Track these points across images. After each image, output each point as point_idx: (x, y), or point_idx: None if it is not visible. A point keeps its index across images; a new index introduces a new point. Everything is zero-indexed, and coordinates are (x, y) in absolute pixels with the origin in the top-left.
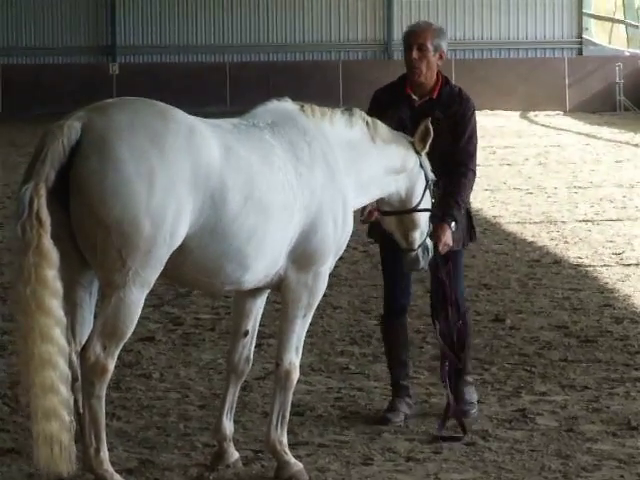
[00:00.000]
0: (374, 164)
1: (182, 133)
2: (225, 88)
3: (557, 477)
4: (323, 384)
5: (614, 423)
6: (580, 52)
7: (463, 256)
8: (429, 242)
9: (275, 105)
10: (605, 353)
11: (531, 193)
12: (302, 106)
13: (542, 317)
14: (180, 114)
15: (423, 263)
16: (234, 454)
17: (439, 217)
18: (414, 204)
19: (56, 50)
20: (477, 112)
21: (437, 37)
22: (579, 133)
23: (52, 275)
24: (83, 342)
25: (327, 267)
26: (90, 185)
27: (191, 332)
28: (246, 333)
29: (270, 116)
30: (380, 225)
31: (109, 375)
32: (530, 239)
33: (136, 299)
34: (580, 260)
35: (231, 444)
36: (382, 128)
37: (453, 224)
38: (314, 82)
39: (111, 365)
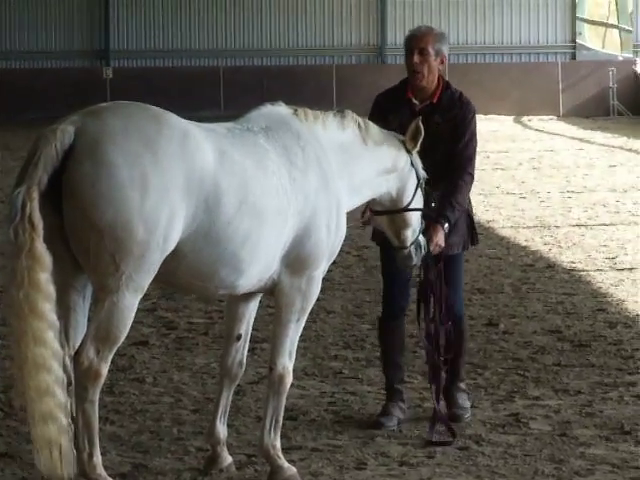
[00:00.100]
0: (366, 166)
1: (176, 138)
2: (219, 92)
3: None
4: (316, 388)
5: (607, 427)
6: (573, 57)
7: (463, 260)
8: (422, 239)
9: (269, 109)
10: (598, 357)
11: (524, 197)
12: (295, 110)
13: (535, 321)
14: (174, 118)
15: (416, 260)
16: (227, 458)
17: (433, 218)
18: (405, 203)
19: (50, 54)
20: None
21: (438, 41)
22: (572, 138)
23: (45, 278)
24: (77, 346)
25: (320, 271)
26: (83, 189)
27: (184, 336)
28: (239, 337)
29: (264, 120)
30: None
31: (102, 380)
32: (523, 243)
33: (129, 304)
34: (573, 265)
35: (224, 448)
36: (373, 129)
37: (446, 225)
38: (308, 86)
39: (104, 370)
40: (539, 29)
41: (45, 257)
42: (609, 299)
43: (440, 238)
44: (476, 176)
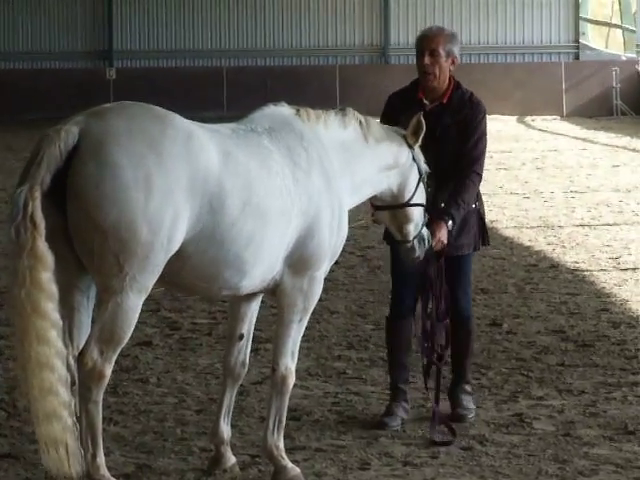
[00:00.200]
0: (367, 165)
1: (180, 138)
2: (222, 93)
3: None
4: (320, 389)
5: (611, 428)
6: (577, 57)
7: (472, 260)
8: (426, 233)
9: (272, 110)
10: (602, 358)
11: (528, 198)
12: (298, 110)
13: (539, 321)
14: (178, 119)
15: (419, 253)
16: (231, 458)
17: (437, 214)
18: (406, 198)
19: (53, 55)
20: None
21: (449, 42)
22: (576, 138)
23: (47, 278)
24: (81, 346)
25: (322, 271)
26: (87, 190)
27: (188, 337)
28: (241, 337)
29: (267, 121)
30: None
31: (106, 380)
32: (527, 244)
33: (133, 304)
34: (577, 265)
35: (228, 448)
36: (375, 126)
37: (450, 223)
38: (311, 87)
39: (108, 370)
40: (542, 29)
41: (47, 256)
42: (613, 299)
43: (443, 234)
44: None
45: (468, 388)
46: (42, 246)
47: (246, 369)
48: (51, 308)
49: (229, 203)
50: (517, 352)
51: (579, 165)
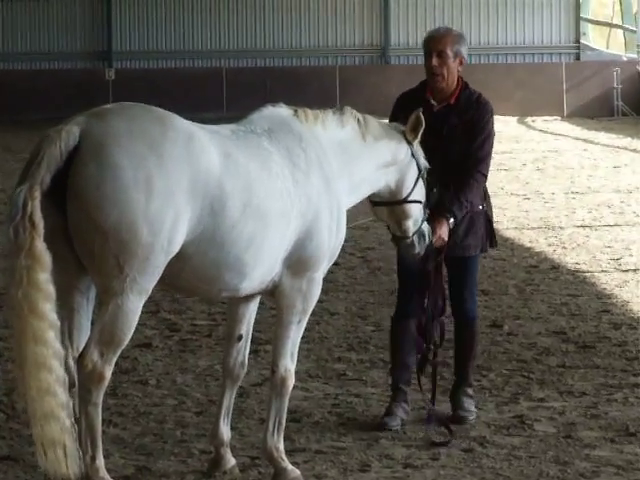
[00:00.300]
0: (365, 164)
1: (181, 140)
2: (222, 93)
3: None
4: (320, 390)
5: (612, 429)
6: (578, 57)
7: (479, 262)
8: (426, 229)
9: (270, 111)
10: (603, 359)
11: (529, 198)
12: (295, 111)
13: (540, 323)
14: (178, 120)
15: (419, 249)
16: (231, 460)
17: (439, 211)
18: (405, 194)
19: (52, 55)
20: None
21: (457, 43)
22: (577, 138)
23: (44, 278)
24: (80, 348)
25: (321, 273)
26: (88, 191)
27: (188, 338)
28: (240, 338)
29: (266, 122)
30: None
31: (106, 382)
32: (528, 245)
33: (134, 306)
34: (578, 266)
35: (228, 450)
36: (373, 124)
37: (452, 220)
38: (311, 87)
39: (108, 372)
40: (543, 30)
41: (45, 257)
42: (614, 300)
43: (444, 231)
44: None
45: (470, 391)
46: (40, 246)
47: (245, 370)
48: (48, 309)
49: (230, 205)
50: (518, 353)
51: (580, 166)
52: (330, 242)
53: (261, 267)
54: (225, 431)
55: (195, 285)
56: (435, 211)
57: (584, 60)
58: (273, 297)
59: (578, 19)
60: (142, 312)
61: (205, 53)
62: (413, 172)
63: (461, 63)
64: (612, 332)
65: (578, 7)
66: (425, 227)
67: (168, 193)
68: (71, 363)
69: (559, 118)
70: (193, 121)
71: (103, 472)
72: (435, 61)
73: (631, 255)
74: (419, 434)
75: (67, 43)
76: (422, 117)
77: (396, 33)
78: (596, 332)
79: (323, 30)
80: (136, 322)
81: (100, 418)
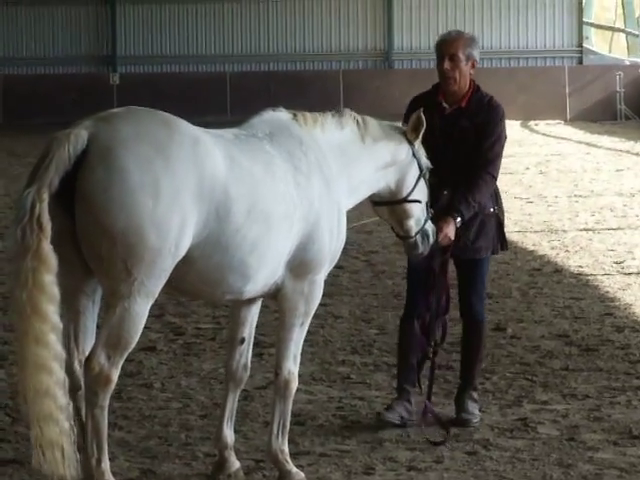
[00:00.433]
0: (365, 166)
1: (187, 143)
2: (226, 98)
3: None
4: (324, 393)
5: (615, 432)
6: (580, 61)
7: (488, 264)
8: (430, 228)
9: (270, 115)
10: (606, 362)
11: (532, 202)
12: (295, 115)
13: (543, 326)
14: (184, 124)
15: (422, 249)
16: (235, 463)
17: (447, 210)
18: (405, 194)
19: (56, 60)
20: None
21: (469, 46)
22: (580, 142)
23: (49, 280)
24: (86, 351)
25: (323, 275)
26: (96, 195)
27: (192, 342)
28: (242, 340)
29: (267, 126)
30: None
31: (113, 385)
32: (531, 248)
33: (141, 310)
34: (581, 269)
35: (232, 453)
36: (372, 125)
37: (459, 219)
38: (315, 91)
39: (115, 375)
40: (546, 33)
41: (51, 259)
42: (617, 303)
43: (450, 230)
44: None
45: (475, 395)
46: (47, 248)
47: (248, 373)
48: (52, 311)
49: (235, 209)
50: (521, 356)
51: (583, 169)
52: (331, 245)
53: (265, 270)
54: (229, 434)
55: (199, 288)
56: (443, 211)
57: (587, 64)
58: (275, 300)
59: (581, 23)
60: (147, 315)
61: (209, 58)
62: (414, 172)
63: (473, 66)
64: (615, 335)
65: (581, 11)
66: (429, 227)
67: (175, 197)
68: (77, 366)
69: (562, 122)
70: (197, 125)
71: (109, 475)
72: (447, 64)
73: (634, 258)
74: (423, 437)
75: (71, 48)
76: (423, 117)
77: (399, 37)
78: (599, 335)
79: (327, 34)
80: (143, 325)
81: (106, 421)
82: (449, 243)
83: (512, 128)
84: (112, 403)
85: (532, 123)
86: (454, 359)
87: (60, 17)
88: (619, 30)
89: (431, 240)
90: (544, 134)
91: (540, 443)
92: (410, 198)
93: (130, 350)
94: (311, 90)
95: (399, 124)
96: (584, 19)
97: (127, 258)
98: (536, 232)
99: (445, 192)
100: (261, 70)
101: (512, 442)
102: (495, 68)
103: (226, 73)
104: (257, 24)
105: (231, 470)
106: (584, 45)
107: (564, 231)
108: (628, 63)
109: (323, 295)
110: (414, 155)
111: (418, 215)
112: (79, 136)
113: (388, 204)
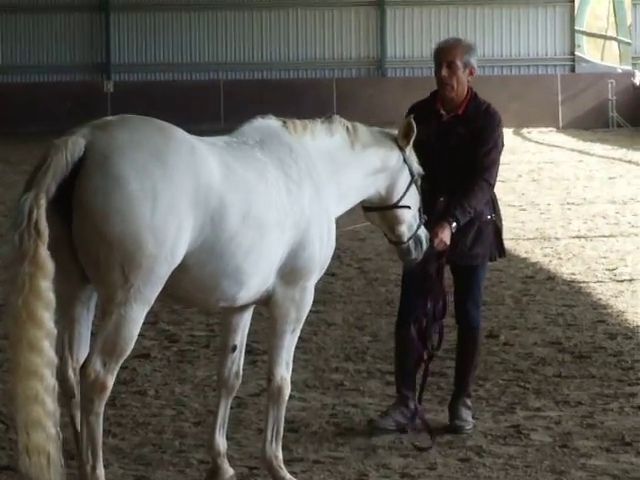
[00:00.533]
0: (354, 173)
1: (183, 151)
2: (219, 106)
3: None
4: (318, 400)
5: (608, 439)
6: (573, 69)
7: (485, 272)
8: (423, 234)
9: (260, 122)
10: (599, 369)
11: (524, 209)
12: (284, 122)
13: (536, 333)
14: (180, 132)
15: (416, 254)
16: (229, 471)
17: (442, 215)
18: (395, 200)
19: (50, 68)
20: None
21: (466, 54)
22: (572, 149)
23: (46, 286)
24: (80, 359)
25: (313, 281)
26: (94, 202)
27: (186, 349)
28: (234, 348)
29: (257, 134)
30: None
31: (108, 392)
32: (524, 255)
33: (137, 316)
34: (574, 276)
35: (225, 460)
36: (362, 131)
37: (454, 225)
38: (308, 99)
39: (110, 382)
40: (538, 42)
41: (48, 265)
42: (609, 310)
43: (446, 235)
44: None
45: (468, 402)
46: (44, 254)
47: (240, 381)
48: (47, 317)
49: (230, 215)
50: (514, 363)
51: (575, 177)
52: (322, 252)
53: (257, 277)
54: (221, 442)
55: (194, 295)
56: (439, 217)
57: (579, 72)
58: (267, 307)
59: (573, 31)
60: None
61: (203, 66)
62: (405, 178)
63: (471, 73)
64: (608, 342)
65: (573, 19)
66: (422, 232)
67: (172, 203)
68: (71, 374)
69: (554, 130)
70: (191, 133)
71: None
72: (445, 71)
73: (626, 266)
74: (416, 443)
75: (66, 56)
76: (414, 123)
77: (392, 45)
78: (592, 342)
79: (320, 43)
80: (138, 332)
81: (101, 428)
82: (444, 248)
83: (505, 136)
84: (106, 410)
85: (525, 131)
86: (447, 366)
87: (54, 25)
88: (611, 38)
89: (424, 246)
90: (537, 142)
91: (533, 450)
92: (401, 204)
93: (125, 357)
94: (304, 98)
95: (390, 130)
96: (576, 27)
97: (125, 265)
98: (529, 239)
99: (441, 199)
100: (255, 78)
101: (505, 449)
102: (488, 76)
103: (220, 81)
104: (251, 32)
105: (225, 477)
106: (576, 53)
107: (557, 238)
108: (620, 71)
109: (316, 302)
110: (405, 161)
111: (410, 221)
112: (76, 144)
113: (379, 210)
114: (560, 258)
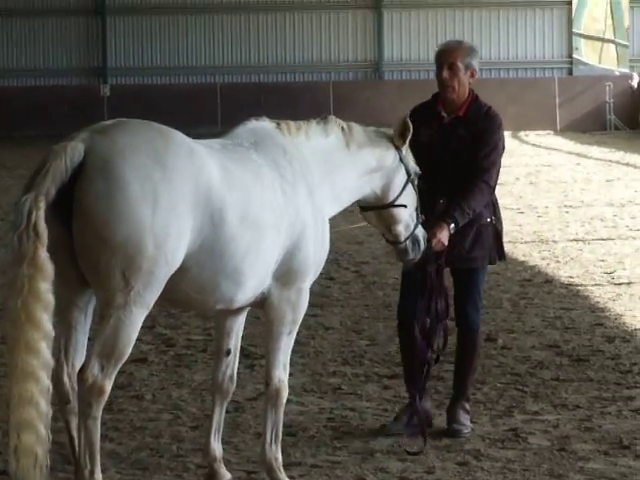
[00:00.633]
0: (348, 173)
1: (183, 153)
2: (216, 109)
3: None
4: (315, 404)
5: (606, 442)
6: (570, 72)
7: (485, 275)
8: (421, 234)
9: (254, 124)
10: (597, 372)
11: (522, 212)
12: (278, 124)
13: (534, 336)
14: (179, 135)
15: (413, 254)
16: (226, 475)
17: (440, 216)
18: (391, 199)
19: (47, 72)
20: None
21: (468, 56)
22: (570, 152)
23: (45, 288)
24: (76, 364)
25: (308, 283)
26: (95, 206)
27: (183, 353)
28: (228, 352)
29: (252, 135)
30: None
31: (106, 396)
32: (521, 258)
33: (135, 320)
34: (571, 279)
35: (222, 465)
36: (357, 131)
37: (452, 225)
38: (305, 102)
39: (108, 386)
40: (536, 44)
41: (47, 266)
42: (607, 314)
43: (444, 235)
44: None
45: (467, 405)
46: (43, 256)
47: (234, 385)
48: (45, 319)
49: (229, 217)
50: (512, 367)
51: (573, 180)
52: (316, 253)
53: (254, 278)
54: (217, 447)
55: (192, 298)
56: (437, 218)
57: (577, 75)
58: (262, 309)
59: (570, 34)
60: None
61: (199, 69)
62: (401, 177)
63: (472, 75)
64: (605, 345)
65: (570, 22)
66: (419, 232)
67: (173, 206)
68: (66, 380)
69: (552, 132)
70: (188, 136)
71: None
72: (446, 73)
73: (624, 269)
74: (414, 448)
75: (62, 59)
76: (409, 122)
77: (389, 48)
78: (590, 345)
79: (317, 46)
80: (136, 336)
81: (99, 432)
82: (442, 249)
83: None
84: (103, 415)
85: (522, 134)
86: (445, 369)
87: (51, 29)
88: (609, 41)
89: (422, 246)
90: (534, 145)
91: (531, 453)
92: (397, 203)
93: (124, 361)
94: (301, 101)
95: (386, 130)
96: (574, 30)
97: (126, 268)
98: (526, 243)
99: (441, 201)
100: (252, 81)
101: (503, 452)
102: (485, 79)
103: (217, 84)
104: (247, 35)
105: None
106: (574, 56)
107: (554, 242)
108: (618, 74)
109: (313, 306)
110: (401, 160)
111: (406, 220)
112: (75, 149)
113: (375, 209)
114: (558, 261)
